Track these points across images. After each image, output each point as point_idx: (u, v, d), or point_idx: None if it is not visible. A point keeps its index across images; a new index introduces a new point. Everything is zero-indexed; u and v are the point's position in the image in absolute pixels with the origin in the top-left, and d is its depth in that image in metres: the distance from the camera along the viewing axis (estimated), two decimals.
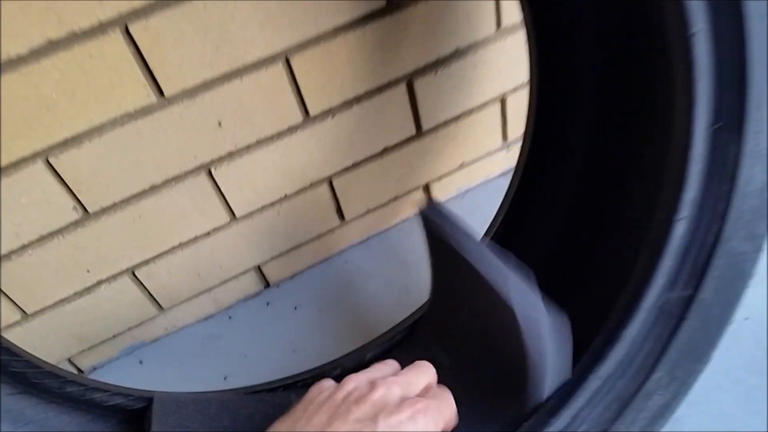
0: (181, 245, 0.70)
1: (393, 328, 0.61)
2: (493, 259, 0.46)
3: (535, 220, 0.62)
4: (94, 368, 0.78)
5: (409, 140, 0.76)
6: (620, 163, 0.54)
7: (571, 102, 0.58)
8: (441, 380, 0.45)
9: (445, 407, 0.39)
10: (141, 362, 0.77)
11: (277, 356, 0.73)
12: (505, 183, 0.90)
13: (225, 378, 0.72)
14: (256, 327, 0.78)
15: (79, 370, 0.77)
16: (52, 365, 0.49)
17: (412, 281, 0.78)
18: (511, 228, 0.63)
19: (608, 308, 0.47)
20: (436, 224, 0.51)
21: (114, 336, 0.76)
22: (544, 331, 0.43)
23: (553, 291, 0.55)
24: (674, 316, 0.45)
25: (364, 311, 0.76)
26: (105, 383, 0.51)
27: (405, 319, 0.61)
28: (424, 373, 0.42)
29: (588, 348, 0.46)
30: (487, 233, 0.64)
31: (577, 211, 0.58)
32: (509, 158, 0.87)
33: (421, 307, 0.62)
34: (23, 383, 0.49)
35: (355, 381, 0.39)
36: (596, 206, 0.57)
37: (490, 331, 0.48)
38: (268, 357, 0.74)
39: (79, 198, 0.61)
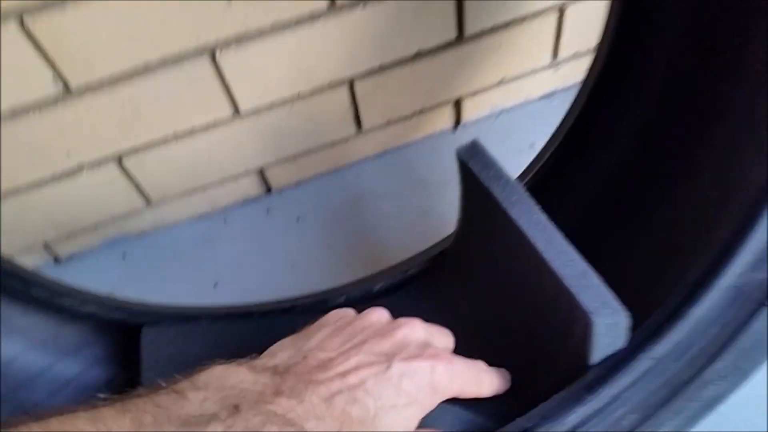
0: (176, 136, 0.62)
1: (408, 260, 0.54)
2: (540, 219, 0.38)
3: (593, 155, 0.53)
4: (72, 257, 0.72)
5: (447, 46, 0.66)
6: (709, 99, 0.44)
7: (658, 18, 0.48)
8: (459, 331, 0.39)
9: (472, 371, 0.36)
10: (124, 257, 0.71)
11: (274, 269, 0.67)
12: (545, 107, 0.81)
13: (215, 285, 0.66)
14: (252, 234, 0.71)
15: (56, 258, 0.71)
16: (13, 264, 0.42)
17: (429, 207, 0.70)
18: (563, 161, 0.54)
19: (673, 280, 0.40)
20: (475, 170, 0.42)
21: (95, 226, 0.69)
22: (593, 297, 0.36)
23: (601, 251, 0.47)
24: (754, 300, 0.38)
25: (373, 234, 0.69)
26: (75, 290, 0.45)
27: (422, 252, 0.54)
28: (448, 335, 0.38)
29: (642, 322, 0.40)
30: (533, 165, 0.55)
31: (646, 152, 0.49)
32: (555, 78, 0.77)
33: (440, 242, 0.54)
34: None
35: (378, 314, 0.36)
36: (672, 149, 0.48)
37: (527, 292, 0.41)
38: (263, 269, 0.67)
39: (61, 70, 0.52)
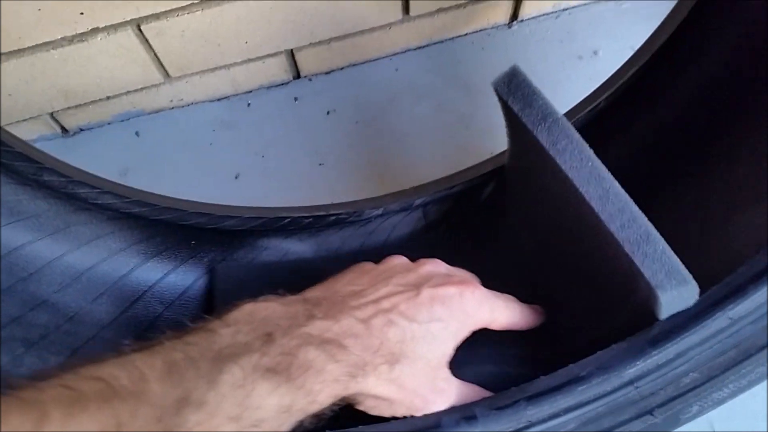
0: (203, 3, 0.54)
1: (453, 175, 0.49)
2: (595, 169, 0.33)
3: (673, 78, 0.46)
4: (81, 129, 0.66)
5: None
6: None
7: None
8: (501, 267, 0.38)
9: (501, 299, 0.35)
10: (137, 133, 0.65)
11: (299, 165, 0.62)
12: (612, 11, 0.72)
13: (237, 176, 0.61)
14: (278, 123, 0.65)
15: (64, 129, 0.65)
16: (25, 143, 0.37)
17: (472, 113, 0.64)
18: (624, 102, 0.47)
19: (759, 235, 0.36)
20: (516, 109, 0.36)
21: (108, 97, 0.62)
22: (657, 266, 0.31)
23: (674, 200, 0.42)
24: None
25: (407, 137, 0.63)
26: (92, 177, 0.40)
27: (468, 169, 0.49)
28: (470, 274, 0.36)
29: (721, 279, 0.36)
30: (592, 98, 0.47)
31: (736, 81, 0.42)
32: None
33: (488, 161, 0.49)
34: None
35: (399, 259, 0.36)
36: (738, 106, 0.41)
37: (584, 247, 0.37)
38: (288, 163, 0.62)
39: None
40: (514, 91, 0.36)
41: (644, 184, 0.36)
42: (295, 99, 0.66)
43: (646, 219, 0.31)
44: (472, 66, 0.67)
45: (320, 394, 0.26)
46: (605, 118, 0.47)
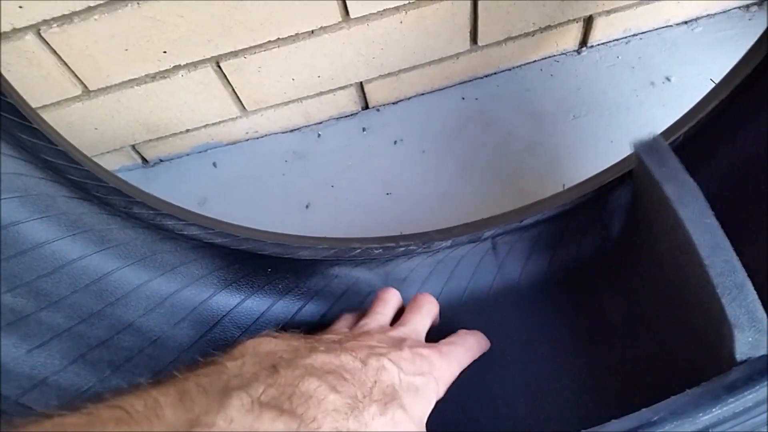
0: (279, 41, 0.56)
1: (523, 208, 0.48)
2: (711, 224, 0.35)
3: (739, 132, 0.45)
4: (161, 160, 0.70)
5: None
6: None
7: None
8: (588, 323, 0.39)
9: (462, 350, 0.37)
10: (215, 164, 0.69)
11: (368, 195, 0.63)
12: (684, 36, 0.70)
13: (307, 206, 0.63)
14: (347, 153, 0.66)
15: (144, 159, 0.69)
16: (118, 178, 0.39)
17: (541, 140, 0.63)
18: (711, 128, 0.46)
19: None
20: (651, 165, 0.39)
21: (187, 130, 0.66)
22: (742, 311, 0.32)
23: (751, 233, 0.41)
24: None
25: (475, 164, 0.63)
26: (178, 209, 0.42)
27: (541, 201, 0.48)
28: (428, 312, 0.40)
29: None
30: (685, 120, 0.46)
31: None
32: (700, 3, 0.65)
33: (565, 192, 0.48)
34: (82, 191, 0.40)
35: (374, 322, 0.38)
36: None
37: (682, 295, 0.37)
38: (357, 193, 0.63)
39: None
40: (653, 153, 0.40)
41: (721, 217, 0.37)
42: (364, 129, 0.68)
43: (744, 274, 0.33)
44: (541, 93, 0.67)
45: (322, 424, 0.26)
46: (684, 151, 0.45)
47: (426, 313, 0.39)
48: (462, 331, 0.39)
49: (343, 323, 0.40)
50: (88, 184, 0.38)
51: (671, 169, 0.38)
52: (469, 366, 0.37)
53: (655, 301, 0.41)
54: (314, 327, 0.44)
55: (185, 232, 0.41)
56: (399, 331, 0.36)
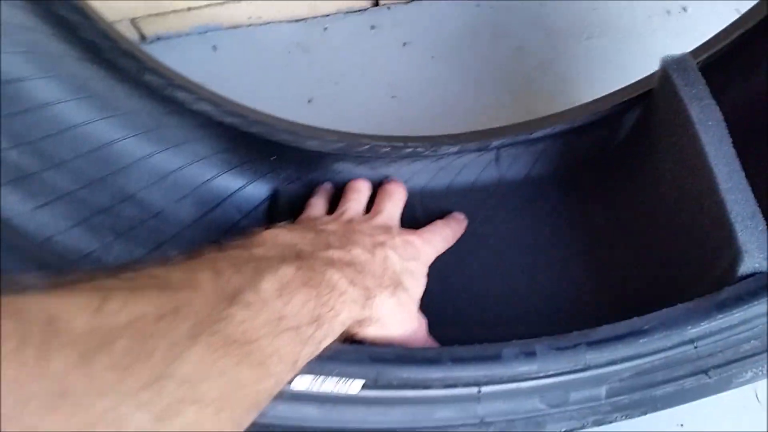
0: None
1: (531, 121, 0.48)
2: (729, 151, 0.36)
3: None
4: (159, 38, 0.67)
5: None
6: None
7: None
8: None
9: (438, 238, 0.41)
10: (214, 48, 0.66)
11: (372, 96, 0.62)
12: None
13: (309, 101, 0.62)
14: (353, 51, 0.65)
15: (142, 36, 0.67)
16: (130, 42, 0.38)
17: (552, 59, 0.62)
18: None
19: None
20: (678, 83, 0.39)
21: (189, 9, 0.63)
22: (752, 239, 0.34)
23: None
24: None
25: (483, 76, 0.62)
26: (191, 83, 0.41)
27: (550, 116, 0.48)
28: (399, 200, 0.43)
29: None
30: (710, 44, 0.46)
31: None
32: None
33: (571, 110, 0.48)
34: (93, 52, 0.38)
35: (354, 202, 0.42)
36: None
37: (684, 211, 0.39)
38: (361, 93, 0.62)
39: None
40: (681, 72, 0.40)
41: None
42: (372, 27, 0.66)
43: (756, 204, 0.34)
44: (557, 9, 0.65)
45: (341, 313, 0.28)
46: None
47: (397, 200, 0.42)
48: (439, 222, 0.43)
49: (318, 209, 0.41)
50: (100, 45, 0.37)
51: (698, 90, 0.38)
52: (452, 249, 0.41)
53: (642, 215, 0.43)
54: None
55: (194, 107, 0.40)
56: (380, 219, 0.39)
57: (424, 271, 0.38)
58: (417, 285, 0.36)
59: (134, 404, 0.18)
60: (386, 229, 0.38)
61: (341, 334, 0.29)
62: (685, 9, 0.64)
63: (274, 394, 0.24)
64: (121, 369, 0.18)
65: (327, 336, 0.27)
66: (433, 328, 0.38)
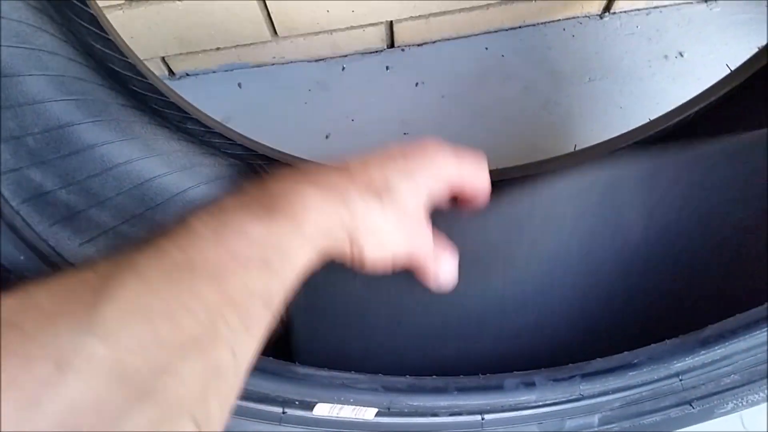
0: None
1: (544, 162, 0.51)
2: None
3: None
4: (187, 74, 0.72)
5: None
6: None
7: None
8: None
9: (467, 156, 0.34)
10: (239, 84, 0.71)
11: (386, 132, 0.66)
12: (702, 14, 0.72)
13: (327, 137, 0.66)
14: (369, 90, 0.69)
15: (171, 71, 0.71)
16: (177, 94, 0.42)
17: (557, 99, 0.66)
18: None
19: None
20: None
21: (218, 48, 0.67)
22: None
23: None
24: None
25: (492, 115, 0.66)
26: (227, 129, 0.45)
27: (560, 157, 0.51)
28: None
29: None
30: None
31: None
32: None
33: (580, 152, 0.51)
34: (140, 101, 0.43)
35: None
36: None
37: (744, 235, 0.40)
38: (375, 129, 0.66)
39: None
40: None
41: None
42: (387, 68, 0.70)
43: None
44: (562, 52, 0.69)
45: (321, 226, 0.26)
46: (693, 128, 0.49)
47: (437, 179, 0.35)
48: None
49: None
50: (149, 97, 0.41)
51: None
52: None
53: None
54: None
55: (228, 151, 0.45)
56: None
57: (429, 177, 0.32)
58: (414, 193, 0.31)
59: None
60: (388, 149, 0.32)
61: (341, 255, 0.28)
62: (681, 54, 0.68)
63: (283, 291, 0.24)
64: None
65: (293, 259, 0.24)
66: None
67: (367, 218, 0.28)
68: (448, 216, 0.36)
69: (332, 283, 0.35)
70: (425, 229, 0.32)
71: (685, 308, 0.40)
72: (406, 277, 0.35)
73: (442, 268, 0.34)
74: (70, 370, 0.17)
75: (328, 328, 0.37)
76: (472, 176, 0.35)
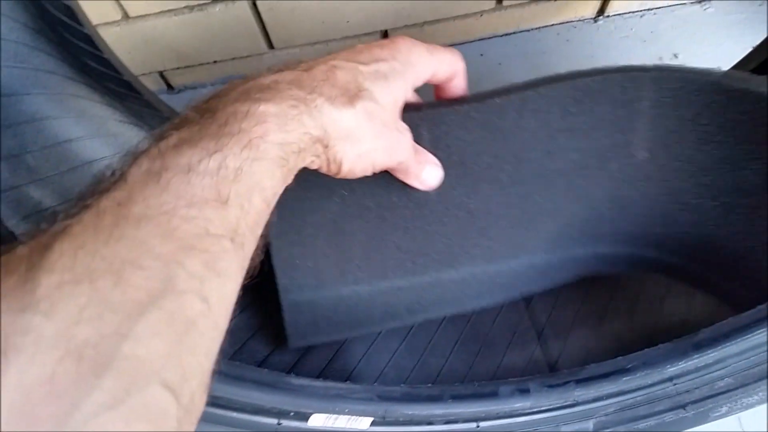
0: None
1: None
2: None
3: None
4: (186, 87, 0.72)
5: None
6: None
7: None
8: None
9: (441, 49, 0.33)
10: None
11: None
12: (696, 15, 0.72)
13: None
14: None
15: (169, 86, 0.72)
16: (174, 111, 0.43)
17: None
18: None
19: None
20: None
21: (215, 62, 0.68)
22: None
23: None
24: None
25: None
26: None
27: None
28: None
29: None
30: None
31: None
32: None
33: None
34: (137, 116, 0.43)
35: None
36: None
37: None
38: None
39: None
40: None
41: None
42: None
43: None
44: (556, 57, 0.69)
45: (284, 143, 0.24)
46: None
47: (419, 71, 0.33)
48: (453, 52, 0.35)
49: None
50: (144, 112, 0.41)
51: None
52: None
53: None
54: None
55: None
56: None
57: (403, 71, 0.30)
58: (387, 90, 0.29)
59: None
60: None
61: (318, 167, 0.28)
62: (676, 55, 0.68)
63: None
64: None
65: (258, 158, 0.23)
66: None
67: (339, 124, 0.27)
68: (431, 121, 0.35)
69: (310, 201, 0.35)
70: (404, 131, 0.31)
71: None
72: (387, 191, 0.35)
73: (426, 168, 0.33)
74: (16, 353, 0.16)
75: (308, 249, 0.36)
76: (449, 72, 0.35)
